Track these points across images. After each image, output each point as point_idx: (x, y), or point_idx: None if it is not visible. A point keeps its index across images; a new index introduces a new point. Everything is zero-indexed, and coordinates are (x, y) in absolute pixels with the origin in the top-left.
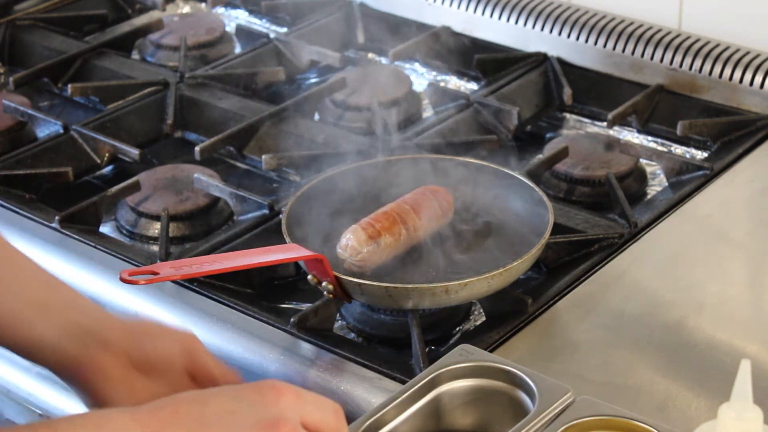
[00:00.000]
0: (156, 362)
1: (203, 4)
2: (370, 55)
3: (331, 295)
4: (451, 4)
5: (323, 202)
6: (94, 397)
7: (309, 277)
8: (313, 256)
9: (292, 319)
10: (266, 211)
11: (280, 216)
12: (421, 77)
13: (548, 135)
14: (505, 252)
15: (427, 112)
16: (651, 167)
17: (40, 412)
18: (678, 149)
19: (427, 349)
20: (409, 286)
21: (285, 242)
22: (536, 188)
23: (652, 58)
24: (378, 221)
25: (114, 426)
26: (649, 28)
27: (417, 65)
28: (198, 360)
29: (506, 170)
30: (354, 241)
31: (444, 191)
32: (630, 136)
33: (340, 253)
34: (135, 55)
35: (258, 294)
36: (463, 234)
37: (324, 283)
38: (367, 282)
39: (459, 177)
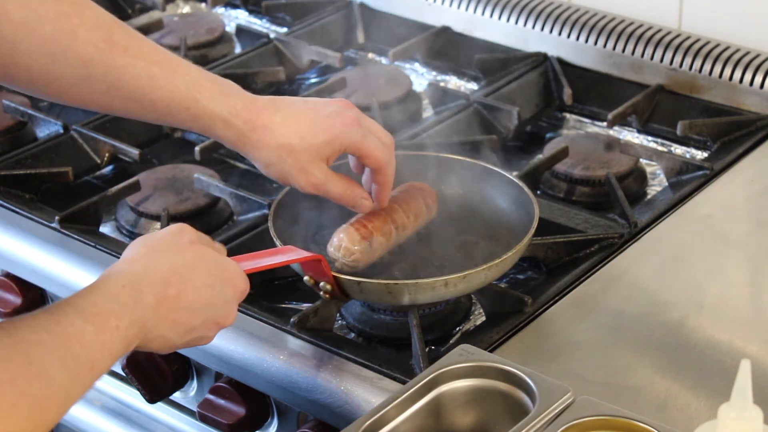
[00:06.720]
0: None
1: (203, 4)
2: (370, 55)
3: (327, 296)
4: (451, 4)
5: (310, 200)
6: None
7: (305, 278)
8: (312, 257)
9: (292, 319)
10: (266, 211)
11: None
12: (421, 77)
13: (548, 135)
14: (496, 245)
15: (427, 112)
16: (651, 167)
17: None
18: (678, 149)
19: (427, 349)
20: (409, 281)
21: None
22: (520, 184)
23: (652, 58)
24: (369, 221)
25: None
26: (649, 28)
27: (417, 65)
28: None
29: (493, 167)
30: (347, 242)
31: (428, 188)
32: (630, 136)
33: (331, 253)
34: None
35: (258, 294)
36: (452, 231)
37: (322, 284)
38: (366, 280)
39: (450, 175)
